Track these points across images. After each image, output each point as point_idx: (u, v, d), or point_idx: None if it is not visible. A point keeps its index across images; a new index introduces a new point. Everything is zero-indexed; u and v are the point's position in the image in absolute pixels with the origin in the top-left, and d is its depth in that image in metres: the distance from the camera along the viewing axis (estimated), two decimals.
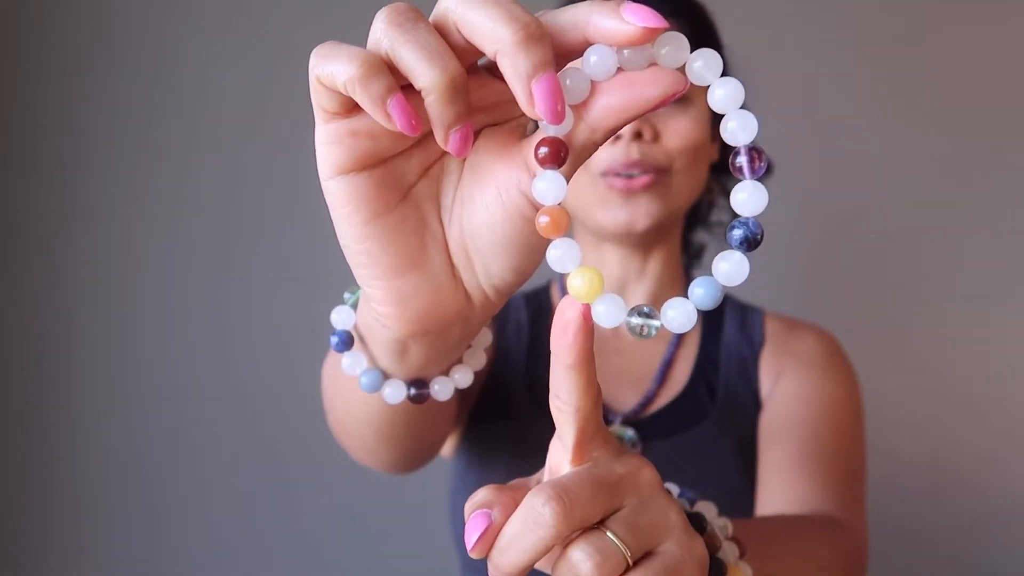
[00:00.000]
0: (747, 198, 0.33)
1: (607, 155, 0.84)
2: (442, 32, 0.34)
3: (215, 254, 1.64)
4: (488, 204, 0.39)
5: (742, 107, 0.33)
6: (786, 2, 1.64)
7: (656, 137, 0.85)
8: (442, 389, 0.50)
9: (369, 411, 0.57)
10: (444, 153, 0.40)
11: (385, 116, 0.34)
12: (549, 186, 0.35)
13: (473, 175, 0.39)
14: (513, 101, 0.37)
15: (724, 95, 0.33)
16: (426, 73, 0.33)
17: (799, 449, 0.83)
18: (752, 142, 0.33)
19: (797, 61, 1.61)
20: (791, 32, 1.63)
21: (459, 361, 0.51)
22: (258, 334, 1.62)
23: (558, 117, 0.33)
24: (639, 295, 0.95)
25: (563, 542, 0.37)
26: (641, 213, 0.85)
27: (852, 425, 0.88)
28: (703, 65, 0.33)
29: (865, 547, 0.79)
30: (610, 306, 0.35)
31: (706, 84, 0.33)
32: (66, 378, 1.62)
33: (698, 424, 0.88)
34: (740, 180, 0.34)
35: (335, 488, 1.60)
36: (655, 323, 0.35)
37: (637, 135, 0.84)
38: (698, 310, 0.35)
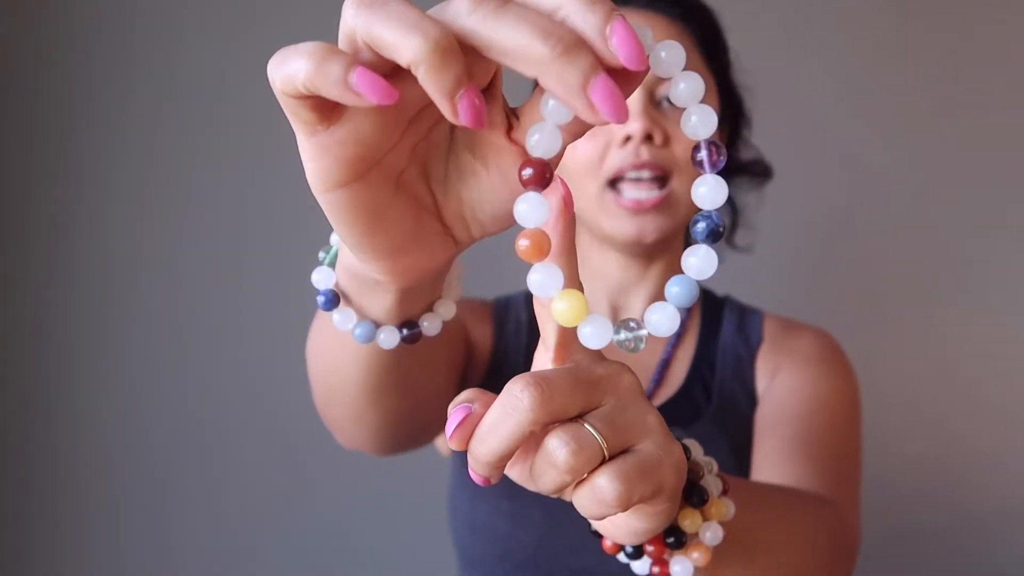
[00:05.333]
0: (707, 192, 0.36)
1: (617, 158, 0.88)
2: None
3: (223, 249, 1.70)
4: (493, 187, 0.42)
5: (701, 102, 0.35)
6: (786, 3, 1.67)
7: (666, 141, 0.88)
8: (431, 325, 0.54)
9: (357, 368, 0.61)
10: (430, 129, 0.42)
11: (355, 95, 0.33)
12: (531, 208, 0.36)
13: (472, 152, 0.42)
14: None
15: (686, 89, 0.35)
16: (407, 44, 0.32)
17: (793, 436, 0.87)
18: (711, 137, 0.36)
19: (798, 62, 1.65)
20: (792, 33, 1.67)
21: (439, 297, 0.55)
22: (264, 330, 1.68)
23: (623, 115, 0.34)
24: (640, 296, 0.98)
25: (540, 433, 0.40)
26: (649, 227, 0.89)
27: (848, 419, 0.92)
28: (667, 57, 0.35)
29: (855, 535, 0.83)
30: (596, 327, 0.37)
31: (669, 77, 0.35)
32: (73, 378, 1.69)
33: (694, 423, 0.93)
34: (702, 174, 0.36)
35: (336, 486, 1.68)
36: (642, 333, 0.38)
37: (648, 138, 0.87)
38: (687, 308, 0.38)
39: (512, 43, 0.33)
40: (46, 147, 1.69)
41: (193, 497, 1.70)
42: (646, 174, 0.88)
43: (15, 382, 1.68)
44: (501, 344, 0.99)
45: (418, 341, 0.55)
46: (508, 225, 0.44)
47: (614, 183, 0.90)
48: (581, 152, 0.90)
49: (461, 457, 0.95)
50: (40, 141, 1.69)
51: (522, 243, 0.36)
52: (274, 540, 1.70)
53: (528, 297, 1.03)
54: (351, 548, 1.69)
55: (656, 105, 0.90)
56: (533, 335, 0.98)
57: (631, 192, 0.89)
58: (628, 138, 0.88)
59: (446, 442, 1.01)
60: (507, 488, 0.90)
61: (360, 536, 1.69)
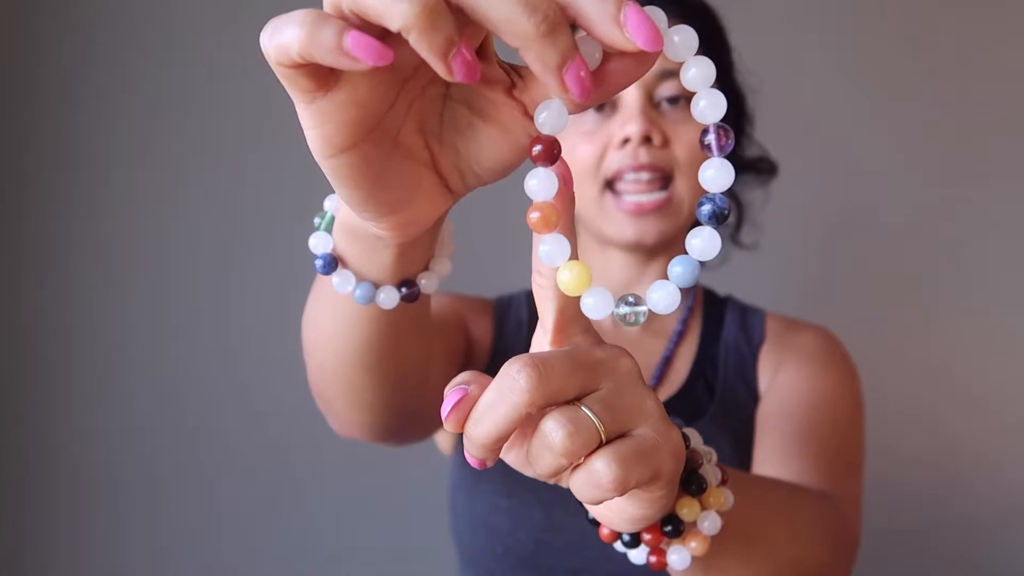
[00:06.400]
0: (714, 175, 0.36)
1: (616, 159, 0.88)
2: None
3: (218, 249, 1.71)
4: (494, 142, 0.42)
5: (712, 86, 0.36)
6: (789, 3, 1.67)
7: (665, 143, 0.89)
8: (428, 283, 0.56)
9: (353, 337, 0.61)
10: (425, 86, 0.42)
11: (351, 59, 0.33)
12: (541, 183, 0.38)
13: (469, 107, 0.43)
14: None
15: (697, 74, 0.35)
16: (395, 10, 0.32)
17: (794, 432, 0.87)
18: (720, 121, 0.36)
19: (800, 62, 1.65)
20: (793, 33, 1.67)
21: (432, 256, 0.56)
22: (261, 329, 1.69)
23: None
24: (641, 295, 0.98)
25: (537, 416, 0.39)
26: (650, 230, 0.90)
27: (850, 415, 0.92)
28: (680, 41, 0.35)
29: (856, 530, 0.83)
30: (598, 298, 0.38)
31: (681, 61, 0.36)
32: (69, 376, 1.70)
33: (696, 421, 0.93)
34: (710, 158, 0.36)
35: (337, 485, 1.69)
36: (642, 309, 0.39)
37: (646, 139, 0.87)
38: (691, 297, 0.38)
39: (496, 14, 0.33)
40: (42, 145, 1.70)
41: (190, 497, 1.71)
42: (645, 175, 0.89)
43: (10, 381, 1.69)
44: (501, 341, 1.00)
45: (417, 299, 0.56)
46: (503, 176, 0.45)
47: (613, 184, 0.91)
48: (580, 154, 0.91)
49: (461, 456, 0.96)
50: (36, 139, 1.69)
51: (533, 215, 0.38)
52: (273, 540, 1.72)
53: (529, 295, 1.03)
54: (351, 547, 1.71)
55: (655, 106, 0.90)
56: (532, 333, 0.98)
57: (631, 196, 0.90)
58: (627, 140, 0.88)
59: (447, 439, 1.03)
60: (506, 487, 0.92)
61: (361, 535, 1.71)
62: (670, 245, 0.97)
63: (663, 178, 0.90)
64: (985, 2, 1.68)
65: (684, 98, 0.90)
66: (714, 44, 0.96)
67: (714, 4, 0.99)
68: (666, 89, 0.90)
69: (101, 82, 1.69)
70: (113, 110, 1.69)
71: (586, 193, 0.92)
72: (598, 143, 0.90)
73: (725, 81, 0.98)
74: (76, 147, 1.69)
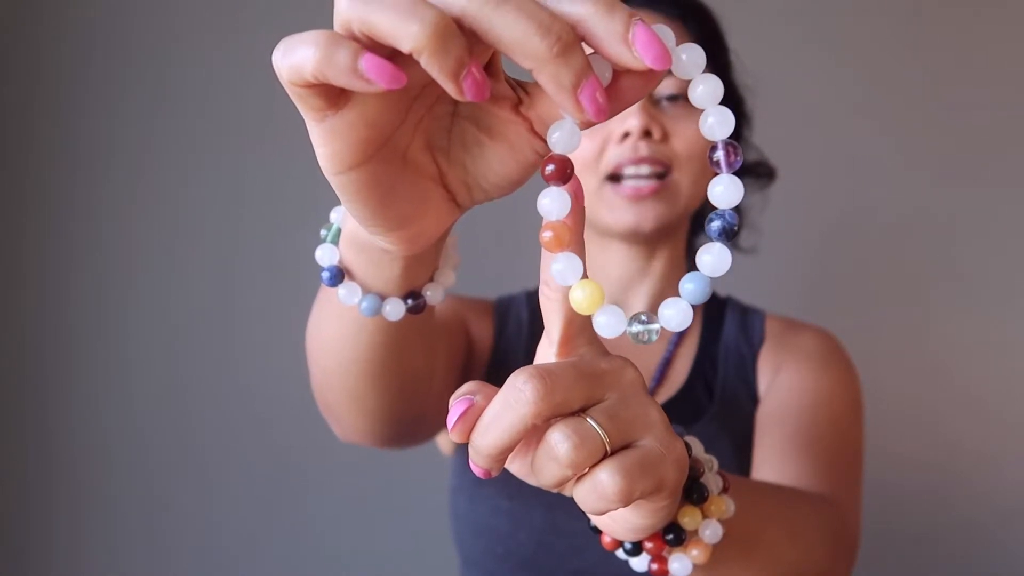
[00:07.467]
0: (723, 191, 0.36)
1: (616, 153, 0.89)
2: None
3: (219, 247, 1.71)
4: (502, 159, 0.43)
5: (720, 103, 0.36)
6: (787, 4, 1.67)
7: (665, 137, 0.90)
8: (433, 294, 0.56)
9: (358, 346, 0.62)
10: (433, 104, 0.42)
11: (365, 82, 0.33)
12: (553, 202, 0.38)
13: (476, 124, 0.43)
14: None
15: (705, 91, 0.36)
16: (406, 32, 0.32)
17: (794, 433, 0.87)
18: (729, 137, 0.36)
19: (799, 62, 1.65)
20: (793, 33, 1.68)
21: (437, 267, 0.57)
22: (261, 328, 1.69)
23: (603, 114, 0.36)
24: (642, 293, 1.00)
25: (542, 426, 0.40)
26: (648, 215, 0.90)
27: (849, 416, 0.93)
28: (688, 59, 0.36)
29: (856, 532, 0.83)
30: (611, 317, 0.39)
31: (689, 78, 0.36)
32: (70, 376, 1.70)
33: (696, 422, 0.93)
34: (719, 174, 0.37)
35: (338, 486, 1.70)
36: (655, 327, 0.39)
37: (646, 133, 0.88)
38: (694, 307, 0.38)
39: (509, 35, 0.33)
40: (42, 145, 1.70)
41: (190, 497, 1.71)
42: (645, 169, 0.90)
43: (10, 381, 1.70)
44: (501, 342, 1.00)
45: (423, 311, 0.56)
46: (510, 191, 0.45)
47: (613, 177, 0.91)
48: (580, 149, 0.91)
49: (463, 457, 0.96)
50: (36, 139, 1.70)
51: (545, 234, 0.38)
52: (273, 541, 1.72)
53: (529, 296, 1.04)
54: (352, 548, 1.71)
55: (655, 103, 0.91)
56: (533, 334, 0.99)
57: (630, 181, 0.91)
58: (627, 134, 0.89)
59: (448, 441, 1.03)
60: (508, 489, 0.92)
61: (361, 536, 1.71)
62: (669, 238, 0.98)
63: (661, 173, 0.91)
64: (985, 2, 1.68)
65: (683, 95, 0.91)
66: (711, 45, 0.97)
67: (712, 4, 0.99)
68: (666, 86, 0.91)
69: (101, 82, 1.69)
70: (113, 110, 1.69)
71: (586, 185, 0.92)
72: (598, 138, 0.91)
73: (723, 82, 0.98)
74: (76, 147, 1.69)
